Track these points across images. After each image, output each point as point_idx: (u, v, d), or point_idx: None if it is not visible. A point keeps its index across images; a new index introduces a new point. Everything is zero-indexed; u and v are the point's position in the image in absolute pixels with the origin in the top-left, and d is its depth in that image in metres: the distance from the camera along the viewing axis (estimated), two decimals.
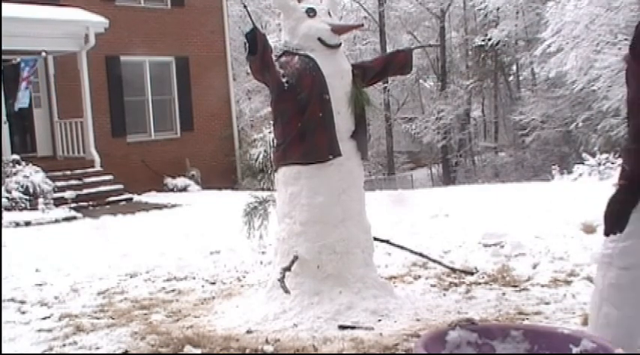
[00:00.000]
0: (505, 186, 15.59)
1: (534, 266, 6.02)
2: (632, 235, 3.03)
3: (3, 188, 12.96)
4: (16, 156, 14.22)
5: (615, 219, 3.01)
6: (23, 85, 15.29)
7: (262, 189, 7.08)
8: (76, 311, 5.58)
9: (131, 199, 15.28)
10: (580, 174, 14.40)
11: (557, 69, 20.43)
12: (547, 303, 4.95)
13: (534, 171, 25.82)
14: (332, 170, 4.92)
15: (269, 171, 6.80)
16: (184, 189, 17.72)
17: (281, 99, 4.93)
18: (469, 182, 25.19)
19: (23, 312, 5.65)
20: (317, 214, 4.88)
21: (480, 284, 5.61)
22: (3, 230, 10.57)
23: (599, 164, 14.46)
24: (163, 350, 4.39)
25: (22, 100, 15.54)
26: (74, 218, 12.77)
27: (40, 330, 5.05)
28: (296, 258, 4.87)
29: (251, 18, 5.11)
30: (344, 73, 5.06)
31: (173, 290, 6.19)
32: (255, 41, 4.63)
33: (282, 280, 4.75)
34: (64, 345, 4.66)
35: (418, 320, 4.71)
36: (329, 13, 5.10)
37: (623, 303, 3.11)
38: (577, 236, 7.06)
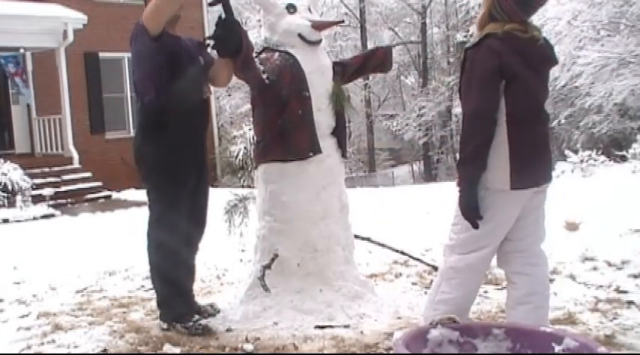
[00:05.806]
0: None
1: None
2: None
3: None
4: None
5: None
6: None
7: (242, 187, 7.03)
8: (54, 309, 5.51)
9: (110, 196, 15.20)
10: (562, 171, 14.42)
11: None
12: None
13: None
14: (312, 167, 4.88)
15: (249, 169, 6.76)
16: None
17: (261, 96, 4.88)
18: (450, 179, 25.15)
19: (1, 310, 5.59)
20: (297, 212, 4.85)
21: None
22: None
23: (582, 161, 14.50)
24: (142, 349, 4.35)
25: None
26: (52, 215, 12.69)
27: (18, 329, 4.98)
28: (276, 255, 4.84)
29: (232, 13, 5.02)
30: (324, 69, 5.02)
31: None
32: (237, 39, 4.60)
33: (262, 278, 4.73)
34: (42, 344, 4.60)
35: (399, 318, 4.70)
36: (309, 10, 5.06)
37: (458, 284, 3.73)
38: (559, 233, 7.06)
